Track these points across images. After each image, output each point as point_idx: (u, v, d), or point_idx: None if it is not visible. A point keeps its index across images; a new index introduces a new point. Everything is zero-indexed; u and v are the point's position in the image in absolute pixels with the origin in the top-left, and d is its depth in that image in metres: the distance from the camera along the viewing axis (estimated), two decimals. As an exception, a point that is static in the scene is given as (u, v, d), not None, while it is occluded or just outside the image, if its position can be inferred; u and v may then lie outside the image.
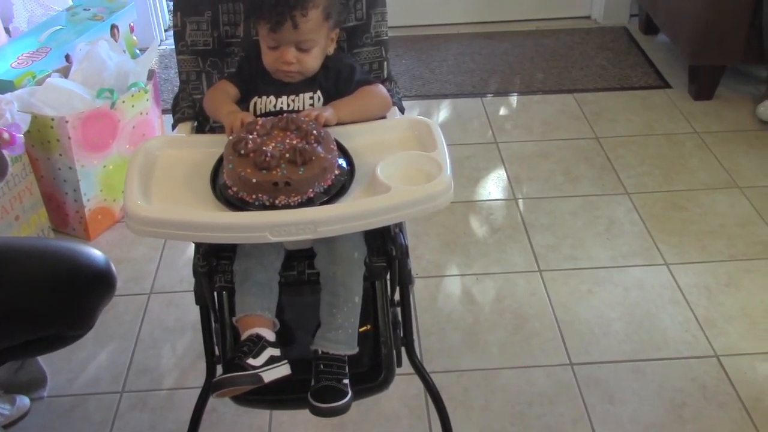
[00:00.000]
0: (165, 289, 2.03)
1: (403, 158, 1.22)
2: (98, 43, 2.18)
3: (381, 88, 1.40)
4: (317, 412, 1.24)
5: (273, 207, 1.15)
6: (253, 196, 1.15)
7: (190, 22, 1.45)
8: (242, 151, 1.18)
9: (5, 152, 1.31)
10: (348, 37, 1.48)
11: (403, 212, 1.14)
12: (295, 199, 1.15)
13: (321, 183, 1.17)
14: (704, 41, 2.68)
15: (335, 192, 1.18)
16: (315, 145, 1.18)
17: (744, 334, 1.84)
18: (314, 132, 1.20)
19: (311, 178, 1.15)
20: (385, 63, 1.50)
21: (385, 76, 1.50)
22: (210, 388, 1.26)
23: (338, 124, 1.30)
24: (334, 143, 1.22)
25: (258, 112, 1.36)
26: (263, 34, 1.33)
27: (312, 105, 1.34)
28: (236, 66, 1.47)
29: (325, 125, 1.26)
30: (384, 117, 1.38)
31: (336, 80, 1.37)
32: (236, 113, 1.30)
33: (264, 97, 1.35)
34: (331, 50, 1.38)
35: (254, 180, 1.14)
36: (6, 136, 1.30)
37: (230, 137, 1.24)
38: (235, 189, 1.17)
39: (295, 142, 1.18)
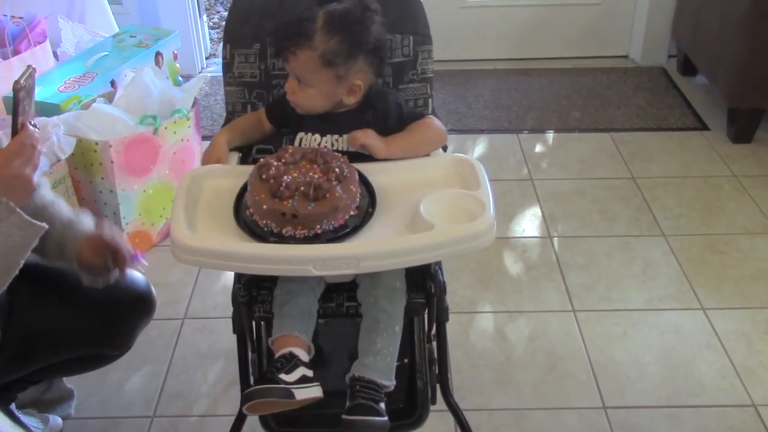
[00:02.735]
0: (199, 315, 2.04)
1: (447, 196, 1.23)
2: (143, 70, 2.23)
3: (435, 121, 1.39)
4: (351, 426, 1.22)
5: (280, 236, 1.16)
6: (263, 222, 1.18)
7: (239, 54, 1.48)
8: (263, 176, 1.20)
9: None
10: (394, 73, 1.50)
11: (446, 250, 1.14)
12: (302, 232, 1.16)
13: (331, 221, 1.17)
14: (744, 84, 2.66)
15: (345, 232, 1.18)
16: (334, 183, 1.19)
17: (783, 384, 1.81)
18: (337, 169, 1.20)
19: (319, 215, 1.16)
20: (430, 100, 1.51)
21: (430, 112, 1.51)
22: (241, 400, 1.25)
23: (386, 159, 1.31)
24: (357, 185, 1.22)
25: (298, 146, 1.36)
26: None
27: (332, 143, 1.35)
28: (278, 97, 1.48)
29: (369, 150, 1.28)
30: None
31: (385, 120, 1.37)
32: (214, 151, 1.36)
33: (309, 134, 1.36)
34: (348, 101, 1.35)
35: (264, 206, 1.16)
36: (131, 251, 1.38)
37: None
38: (251, 211, 1.20)
39: (316, 176, 1.20)
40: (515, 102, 3.10)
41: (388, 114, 1.37)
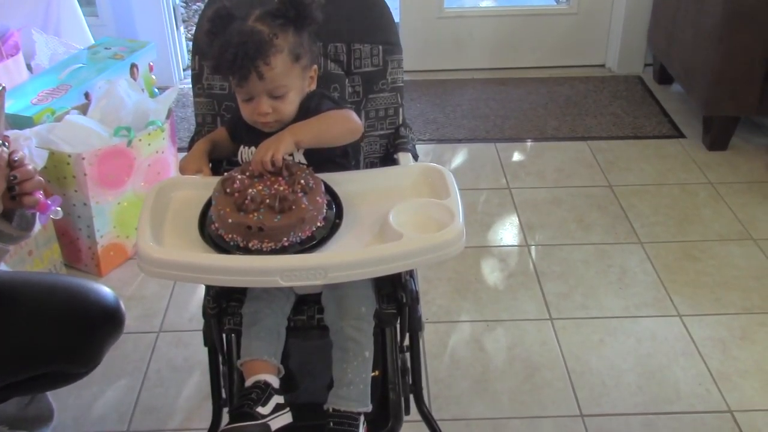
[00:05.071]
0: (174, 328, 2.02)
1: (416, 205, 1.22)
2: (117, 82, 2.22)
3: (350, 114, 1.33)
4: None
5: (247, 249, 1.15)
6: (230, 236, 1.16)
7: (208, 66, 1.46)
8: (228, 190, 1.19)
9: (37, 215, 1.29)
10: (363, 83, 1.50)
11: (415, 260, 1.14)
12: (269, 245, 1.15)
13: (298, 233, 1.16)
14: (718, 92, 2.69)
15: (313, 244, 1.17)
16: (300, 194, 1.17)
17: (759, 390, 1.81)
18: (302, 181, 1.19)
19: (286, 227, 1.14)
20: (401, 109, 1.51)
21: (401, 122, 1.51)
22: None
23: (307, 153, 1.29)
24: (323, 196, 1.21)
25: (243, 162, 1.35)
26: (234, 88, 1.29)
27: (291, 154, 1.28)
28: (233, 113, 1.45)
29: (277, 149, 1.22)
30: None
31: (306, 115, 1.31)
32: (195, 161, 1.33)
33: (247, 148, 1.34)
34: (310, 89, 1.34)
35: (230, 220, 1.15)
36: (39, 198, 1.22)
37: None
38: (216, 225, 1.18)
39: (282, 188, 1.19)
40: (493, 111, 3.11)
41: (309, 108, 1.32)
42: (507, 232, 2.40)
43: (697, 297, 2.11)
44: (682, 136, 2.91)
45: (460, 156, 2.84)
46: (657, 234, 2.37)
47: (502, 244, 2.34)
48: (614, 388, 1.82)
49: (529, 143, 2.90)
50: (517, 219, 2.45)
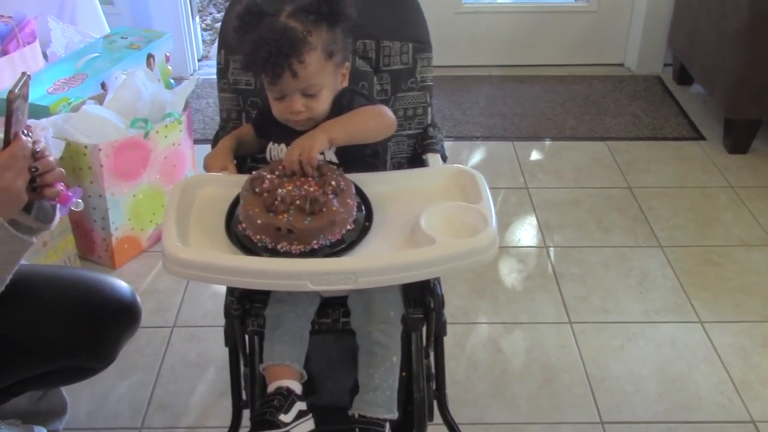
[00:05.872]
0: (188, 323, 2.00)
1: (447, 209, 1.19)
2: (134, 73, 2.19)
3: (383, 109, 1.30)
4: None
5: (275, 251, 1.12)
6: (258, 237, 1.13)
7: (234, 61, 1.44)
8: (257, 189, 1.16)
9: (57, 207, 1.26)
10: (392, 81, 1.47)
11: (448, 266, 1.11)
12: (298, 247, 1.12)
13: (328, 236, 1.13)
14: (740, 94, 2.65)
15: (343, 247, 1.14)
16: (331, 196, 1.15)
17: (781, 400, 1.79)
18: (333, 182, 1.17)
19: (316, 230, 1.12)
20: (429, 108, 1.48)
21: (429, 121, 1.49)
22: None
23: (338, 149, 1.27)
24: (354, 198, 1.18)
25: (272, 159, 1.33)
26: (266, 86, 1.27)
27: (322, 153, 1.26)
28: (260, 109, 1.43)
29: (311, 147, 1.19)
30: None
31: (338, 113, 1.29)
32: (220, 158, 1.30)
33: (276, 145, 1.32)
34: (343, 86, 1.32)
35: (259, 221, 1.12)
36: (61, 190, 1.19)
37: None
38: (243, 225, 1.16)
39: (312, 189, 1.16)
40: (510, 109, 3.08)
41: (342, 107, 1.29)
42: (525, 233, 2.37)
43: (718, 303, 2.08)
44: (702, 138, 2.87)
45: (477, 154, 2.81)
46: (677, 237, 2.33)
47: (520, 244, 2.32)
48: (634, 395, 1.79)
49: (547, 142, 2.87)
50: (535, 219, 2.42)
